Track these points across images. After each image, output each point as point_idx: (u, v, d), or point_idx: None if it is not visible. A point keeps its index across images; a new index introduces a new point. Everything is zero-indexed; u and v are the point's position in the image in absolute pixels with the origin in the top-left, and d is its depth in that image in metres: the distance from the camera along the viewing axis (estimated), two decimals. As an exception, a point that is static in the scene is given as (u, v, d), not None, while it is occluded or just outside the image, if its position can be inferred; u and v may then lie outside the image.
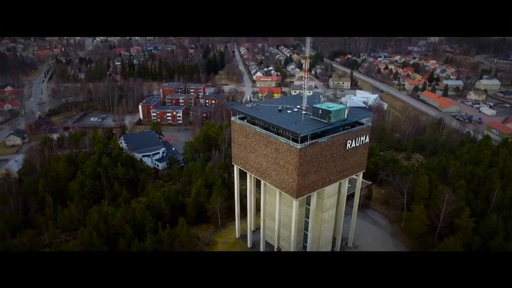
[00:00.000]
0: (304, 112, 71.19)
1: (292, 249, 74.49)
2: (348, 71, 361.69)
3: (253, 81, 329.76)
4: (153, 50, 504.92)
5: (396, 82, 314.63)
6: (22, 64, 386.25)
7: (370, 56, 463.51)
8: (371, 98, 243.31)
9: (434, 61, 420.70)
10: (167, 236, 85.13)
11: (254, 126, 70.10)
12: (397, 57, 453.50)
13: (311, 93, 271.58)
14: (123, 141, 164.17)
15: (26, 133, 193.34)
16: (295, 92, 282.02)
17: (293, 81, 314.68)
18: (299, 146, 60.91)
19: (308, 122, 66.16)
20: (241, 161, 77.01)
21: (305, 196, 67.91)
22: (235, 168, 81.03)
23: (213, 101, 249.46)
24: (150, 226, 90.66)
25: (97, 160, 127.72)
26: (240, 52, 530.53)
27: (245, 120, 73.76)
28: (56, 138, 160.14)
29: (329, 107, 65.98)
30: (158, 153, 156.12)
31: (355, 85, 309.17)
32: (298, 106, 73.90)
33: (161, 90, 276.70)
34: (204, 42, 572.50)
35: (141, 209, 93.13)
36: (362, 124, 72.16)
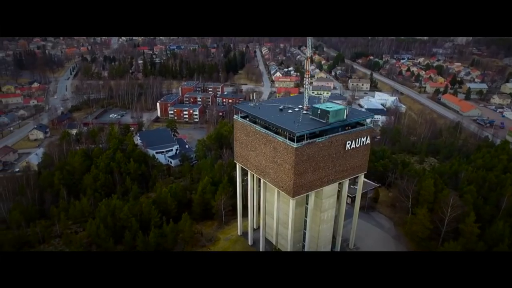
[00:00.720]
0: (305, 112, 71.51)
1: (289, 248, 74.94)
2: (369, 72, 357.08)
3: (272, 81, 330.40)
4: (175, 49, 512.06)
5: (417, 84, 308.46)
6: (50, 61, 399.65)
7: (392, 58, 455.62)
8: (389, 100, 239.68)
9: (459, 64, 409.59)
10: (171, 231, 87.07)
11: (254, 125, 71.00)
12: (421, 59, 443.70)
13: (329, 94, 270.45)
14: (138, 138, 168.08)
15: (49, 128, 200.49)
16: (312, 92, 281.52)
17: (311, 82, 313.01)
18: (295, 145, 61.38)
19: (306, 121, 66.50)
20: (242, 159, 78.04)
21: (303, 195, 68.20)
22: (237, 166, 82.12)
23: (230, 100, 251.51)
24: (156, 220, 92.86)
25: (111, 155, 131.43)
26: (261, 52, 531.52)
27: (247, 119, 74.69)
28: (74, 133, 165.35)
29: (328, 107, 66.12)
30: (172, 150, 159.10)
31: (374, 87, 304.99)
32: (300, 106, 74.23)
33: (179, 89, 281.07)
34: (227, 42, 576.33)
35: (148, 203, 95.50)
36: (363, 125, 71.88)
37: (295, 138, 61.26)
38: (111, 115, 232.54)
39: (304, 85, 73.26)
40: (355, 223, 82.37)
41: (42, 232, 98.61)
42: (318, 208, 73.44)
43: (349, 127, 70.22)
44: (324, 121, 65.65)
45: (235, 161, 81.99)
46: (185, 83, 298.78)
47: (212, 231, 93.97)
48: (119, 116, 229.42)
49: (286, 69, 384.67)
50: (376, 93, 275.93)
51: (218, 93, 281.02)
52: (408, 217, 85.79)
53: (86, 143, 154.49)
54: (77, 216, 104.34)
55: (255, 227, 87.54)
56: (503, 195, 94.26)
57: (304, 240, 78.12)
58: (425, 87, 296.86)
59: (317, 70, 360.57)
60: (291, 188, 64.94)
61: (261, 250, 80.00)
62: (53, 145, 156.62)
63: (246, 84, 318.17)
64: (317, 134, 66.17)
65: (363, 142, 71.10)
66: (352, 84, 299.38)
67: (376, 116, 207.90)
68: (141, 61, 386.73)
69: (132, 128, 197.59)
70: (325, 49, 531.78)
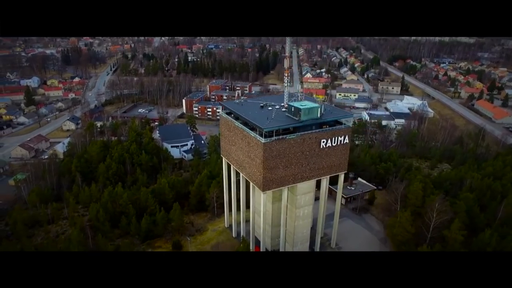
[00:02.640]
0: (284, 109, 73.19)
1: (267, 243, 76.98)
2: (404, 76, 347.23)
3: (302, 82, 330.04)
4: (213, 49, 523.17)
5: (452, 89, 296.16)
6: (93, 58, 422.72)
7: (432, 62, 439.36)
8: (416, 104, 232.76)
9: (505, 69, 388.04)
10: (161, 218, 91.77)
11: (234, 121, 73.71)
12: (463, 64, 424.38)
13: (356, 96, 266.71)
14: (157, 132, 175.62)
15: (80, 119, 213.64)
16: (339, 95, 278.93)
17: (341, 84, 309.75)
18: (263, 140, 63.48)
19: (280, 118, 68.30)
20: (226, 153, 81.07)
21: (277, 190, 70.16)
22: (223, 160, 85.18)
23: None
24: (151, 208, 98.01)
25: (127, 147, 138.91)
26: (298, 53, 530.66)
27: (232, 116, 77.45)
28: (99, 125, 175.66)
29: (302, 105, 67.52)
30: (187, 144, 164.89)
31: (406, 91, 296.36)
32: (282, 104, 75.99)
33: (207, 87, 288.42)
34: (264, 42, 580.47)
35: (145, 192, 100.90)
36: (343, 124, 72.45)
37: (263, 133, 63.37)
38: (139, 110, 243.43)
39: (285, 83, 74.74)
40: (336, 223, 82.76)
41: (52, 214, 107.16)
42: (293, 204, 74.87)
43: (327, 126, 71.09)
44: (296, 119, 67.17)
45: (221, 155, 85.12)
46: (214, 81, 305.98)
47: (203, 222, 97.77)
48: (147, 111, 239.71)
49: (318, 71, 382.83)
50: (405, 96, 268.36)
51: (245, 92, 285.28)
52: (391, 220, 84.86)
53: (108, 135, 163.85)
54: (86, 201, 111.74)
55: (244, 220, 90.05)
56: (504, 204, 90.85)
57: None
58: (460, 93, 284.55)
59: (349, 72, 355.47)
60: (261, 182, 67.05)
61: (241, 242, 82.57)
62: (78, 135, 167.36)
63: (275, 84, 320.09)
64: (291, 130, 67.85)
65: (340, 141, 71.63)
66: (382, 87, 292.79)
67: (398, 120, 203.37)
68: (177, 59, 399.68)
69: (156, 123, 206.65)
70: (362, 51, 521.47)
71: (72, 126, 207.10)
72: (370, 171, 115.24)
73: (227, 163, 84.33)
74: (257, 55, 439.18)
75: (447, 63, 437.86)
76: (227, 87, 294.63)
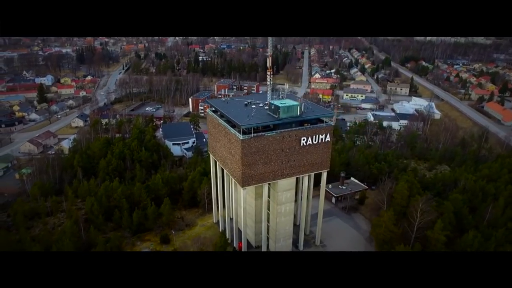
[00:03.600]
0: (267, 107, 74.51)
1: (252, 238, 78.37)
2: (415, 77, 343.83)
3: (310, 83, 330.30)
4: (225, 48, 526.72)
5: (463, 91, 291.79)
6: (106, 57, 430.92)
7: (445, 63, 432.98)
8: (423, 106, 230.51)
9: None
10: (152, 212, 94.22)
11: (218, 118, 75.45)
12: (477, 65, 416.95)
13: (363, 97, 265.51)
14: (161, 130, 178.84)
15: (89, 117, 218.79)
16: (346, 95, 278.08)
17: (349, 85, 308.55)
18: (241, 137, 65.01)
19: (260, 116, 69.68)
20: (212, 150, 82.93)
21: (254, 186, 71.57)
22: (211, 157, 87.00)
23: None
24: (144, 203, 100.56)
25: (129, 143, 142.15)
26: (309, 54, 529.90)
27: (218, 113, 79.13)
28: (104, 123, 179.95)
29: (282, 103, 68.78)
30: (188, 142, 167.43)
31: (414, 92, 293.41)
32: (266, 102, 77.32)
33: (215, 86, 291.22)
34: (278, 42, 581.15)
35: (139, 187, 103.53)
36: (325, 122, 73.37)
37: (241, 130, 64.92)
38: (147, 108, 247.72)
39: (268, 82, 76.04)
40: (320, 221, 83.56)
41: (52, 206, 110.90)
42: (274, 201, 76.11)
43: (309, 124, 72.14)
44: (276, 116, 68.47)
45: (208, 152, 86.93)
46: (222, 80, 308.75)
47: (194, 217, 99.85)
48: (154, 110, 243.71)
49: (328, 71, 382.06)
50: (413, 98, 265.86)
51: (253, 91, 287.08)
52: (375, 219, 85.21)
53: (112, 132, 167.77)
54: (84, 195, 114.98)
55: (231, 216, 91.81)
56: (494, 206, 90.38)
57: (268, 232, 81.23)
58: (470, 94, 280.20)
59: (359, 73, 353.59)
60: (241, 178, 68.57)
61: (227, 237, 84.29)
62: (84, 132, 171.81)
63: (283, 84, 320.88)
64: (271, 128, 69.21)
65: (321, 139, 72.51)
66: (390, 88, 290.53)
67: (403, 121, 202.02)
68: (190, 59, 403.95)
69: (162, 121, 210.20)
70: (375, 52, 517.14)
71: (80, 123, 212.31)
72: (364, 171, 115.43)
73: (214, 159, 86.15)
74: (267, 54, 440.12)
75: (460, 64, 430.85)
76: (235, 87, 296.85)
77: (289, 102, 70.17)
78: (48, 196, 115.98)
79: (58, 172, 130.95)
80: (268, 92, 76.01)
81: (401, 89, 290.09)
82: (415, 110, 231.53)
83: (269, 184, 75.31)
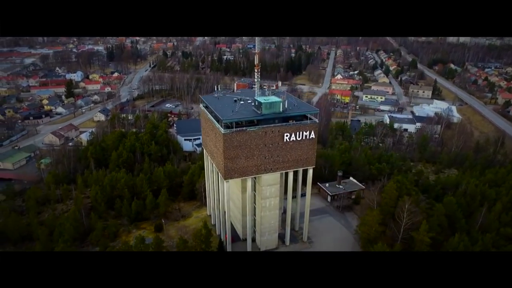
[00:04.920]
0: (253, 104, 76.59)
1: (240, 230, 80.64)
2: (440, 80, 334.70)
3: (331, 83, 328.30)
4: (251, 48, 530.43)
5: (490, 95, 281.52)
6: (134, 55, 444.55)
7: (476, 66, 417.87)
8: (443, 109, 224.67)
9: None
10: (149, 202, 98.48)
11: (207, 113, 78.33)
12: (510, 69, 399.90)
13: (383, 99, 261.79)
14: (175, 125, 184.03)
15: (110, 112, 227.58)
16: (366, 97, 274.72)
17: (370, 86, 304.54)
18: (223, 131, 67.60)
19: (244, 111, 71.95)
20: (204, 144, 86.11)
21: (237, 179, 73.95)
22: (204, 151, 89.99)
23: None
24: (145, 194, 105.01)
25: (142, 137, 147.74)
26: (336, 54, 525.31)
27: (208, 109, 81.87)
28: (122, 117, 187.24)
29: (265, 100, 70.78)
30: (199, 138, 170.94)
31: (437, 95, 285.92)
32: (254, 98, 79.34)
33: (234, 84, 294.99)
34: (305, 42, 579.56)
35: (141, 179, 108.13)
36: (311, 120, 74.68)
37: (222, 124, 67.48)
38: (167, 105, 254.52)
39: (256, 79, 78.12)
40: (307, 217, 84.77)
41: (62, 194, 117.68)
42: (259, 195, 78.08)
43: (293, 120, 73.69)
44: (259, 112, 70.53)
45: (202, 146, 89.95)
46: (242, 79, 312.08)
47: (190, 209, 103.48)
48: (174, 106, 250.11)
49: (351, 72, 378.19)
50: (434, 101, 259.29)
51: (272, 90, 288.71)
52: (361, 218, 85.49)
53: (127, 126, 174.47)
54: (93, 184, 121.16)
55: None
56: (492, 211, 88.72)
57: (254, 226, 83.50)
58: (497, 99, 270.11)
59: (382, 75, 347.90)
60: (223, 171, 71.12)
61: (217, 230, 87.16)
62: (102, 126, 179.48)
63: (303, 85, 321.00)
64: (255, 123, 71.35)
65: (306, 136, 73.89)
66: (412, 91, 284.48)
67: (419, 124, 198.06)
68: (215, 58, 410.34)
69: (177, 117, 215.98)
70: (402, 54, 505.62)
71: (102, 117, 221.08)
72: (363, 171, 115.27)
73: (206, 154, 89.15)
74: (293, 55, 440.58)
75: (492, 67, 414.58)
76: (254, 86, 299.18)
77: (272, 98, 72.05)
78: (60, 184, 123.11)
79: (73, 163, 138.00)
80: (256, 89, 78.06)
81: (423, 92, 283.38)
82: (435, 113, 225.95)
83: (255, 178, 77.57)
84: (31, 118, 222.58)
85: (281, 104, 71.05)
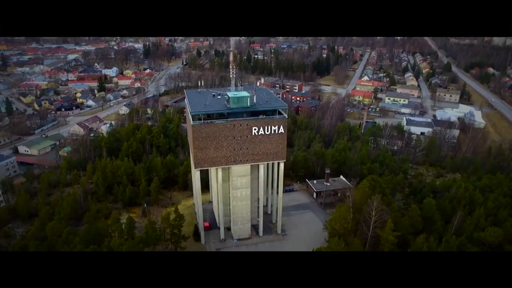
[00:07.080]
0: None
1: (220, 220, 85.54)
2: (474, 84, 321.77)
3: (356, 84, 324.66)
4: (284, 48, 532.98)
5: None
6: (168, 52, 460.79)
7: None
8: (465, 113, 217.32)
9: None
10: (142, 189, 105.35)
11: (188, 106, 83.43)
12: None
13: (406, 101, 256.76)
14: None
15: (135, 105, 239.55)
16: (389, 99, 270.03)
17: (395, 88, 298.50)
18: (192, 122, 72.49)
19: (215, 105, 76.37)
20: (187, 136, 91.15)
21: (206, 168, 78.55)
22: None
23: (298, 98, 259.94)
24: (142, 181, 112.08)
25: (153, 130, 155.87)
26: (369, 56, 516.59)
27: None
28: (140, 111, 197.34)
29: (233, 94, 74.85)
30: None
31: (466, 99, 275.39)
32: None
33: (258, 83, 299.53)
34: (340, 43, 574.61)
35: (139, 167, 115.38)
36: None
37: (191, 116, 72.35)
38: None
39: (231, 75, 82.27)
40: (280, 210, 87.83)
41: (72, 179, 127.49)
42: (231, 185, 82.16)
43: (264, 115, 77.15)
44: (228, 106, 74.71)
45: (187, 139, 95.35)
46: (266, 78, 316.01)
47: (181, 198, 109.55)
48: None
49: (381, 74, 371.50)
50: (460, 105, 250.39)
51: (294, 90, 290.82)
52: (331, 213, 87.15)
53: (143, 119, 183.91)
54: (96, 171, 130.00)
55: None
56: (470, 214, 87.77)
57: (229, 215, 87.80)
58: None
59: (411, 77, 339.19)
60: (194, 160, 75.99)
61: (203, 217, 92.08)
62: (122, 119, 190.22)
63: (328, 85, 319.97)
64: (225, 116, 75.64)
65: (274, 130, 77.11)
66: (439, 94, 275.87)
67: (437, 128, 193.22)
68: (245, 57, 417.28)
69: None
70: (439, 56, 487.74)
71: (127, 111, 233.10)
72: (355, 171, 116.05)
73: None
74: (324, 56, 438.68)
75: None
76: (278, 85, 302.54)
77: (240, 93, 75.89)
78: (72, 170, 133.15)
79: (88, 151, 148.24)
80: (232, 84, 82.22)
81: (450, 96, 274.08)
82: (458, 118, 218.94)
83: (229, 169, 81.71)
84: (62, 109, 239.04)
85: (248, 98, 74.74)
